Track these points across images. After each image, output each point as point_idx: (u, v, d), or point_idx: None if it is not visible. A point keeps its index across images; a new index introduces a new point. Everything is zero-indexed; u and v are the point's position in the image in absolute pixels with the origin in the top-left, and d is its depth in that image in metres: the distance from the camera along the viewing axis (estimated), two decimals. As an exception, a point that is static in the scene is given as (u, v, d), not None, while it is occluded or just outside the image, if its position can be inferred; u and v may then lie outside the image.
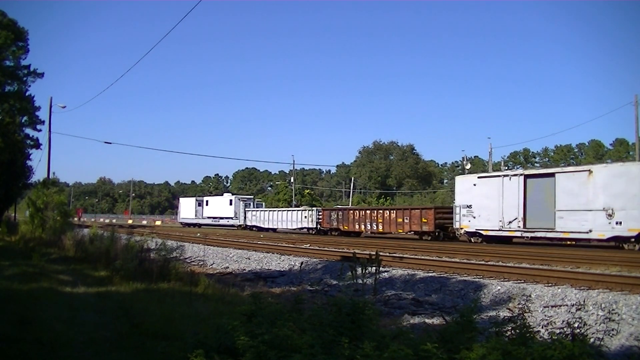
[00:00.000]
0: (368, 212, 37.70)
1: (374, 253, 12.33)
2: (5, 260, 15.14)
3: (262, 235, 37.15)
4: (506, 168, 67.96)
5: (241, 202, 54.99)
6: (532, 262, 16.40)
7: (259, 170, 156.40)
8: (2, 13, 32.41)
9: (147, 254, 13.37)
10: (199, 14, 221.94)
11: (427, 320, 9.19)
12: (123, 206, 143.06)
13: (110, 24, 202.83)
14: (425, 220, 31.69)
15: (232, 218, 55.53)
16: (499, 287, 11.87)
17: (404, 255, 18.13)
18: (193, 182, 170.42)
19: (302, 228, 44.09)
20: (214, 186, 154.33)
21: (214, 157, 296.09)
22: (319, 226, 41.92)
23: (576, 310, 8.64)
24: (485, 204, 27.09)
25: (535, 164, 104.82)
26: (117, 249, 14.77)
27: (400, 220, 33.70)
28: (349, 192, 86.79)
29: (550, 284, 11.74)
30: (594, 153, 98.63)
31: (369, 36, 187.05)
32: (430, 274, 14.18)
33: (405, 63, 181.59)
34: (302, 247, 24.00)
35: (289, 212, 47.04)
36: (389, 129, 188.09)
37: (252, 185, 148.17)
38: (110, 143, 79.83)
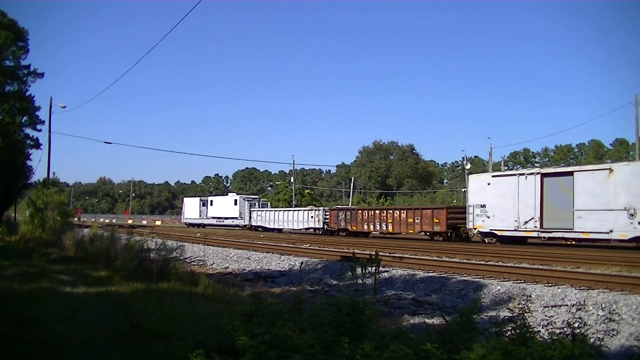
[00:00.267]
0: (377, 212, 36.96)
1: (374, 253, 12.32)
2: (5, 260, 15.14)
3: (262, 235, 37.14)
4: (506, 168, 67.98)
5: (246, 202, 54.43)
6: (532, 262, 16.40)
7: (259, 170, 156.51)
8: (2, 13, 32.39)
9: (147, 254, 13.36)
10: (199, 14, 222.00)
11: (427, 320, 9.18)
12: (123, 206, 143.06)
13: (110, 24, 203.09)
14: (437, 221, 31.05)
15: (236, 218, 54.99)
16: (499, 287, 11.87)
17: (404, 255, 18.13)
18: (193, 182, 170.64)
19: (308, 228, 43.50)
20: (214, 186, 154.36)
21: (214, 157, 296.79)
22: (325, 226, 41.24)
23: (576, 310, 8.64)
24: (500, 203, 26.42)
25: (535, 164, 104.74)
26: (117, 249, 14.75)
27: (410, 220, 33.07)
28: (349, 192, 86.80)
29: (550, 284, 11.73)
30: (594, 153, 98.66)
31: (369, 36, 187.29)
32: (430, 274, 14.18)
33: (405, 63, 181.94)
34: (302, 247, 24.00)
35: (295, 212, 46.36)
36: (389, 129, 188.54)
37: (252, 185, 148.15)
38: (110, 143, 79.76)
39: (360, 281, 11.32)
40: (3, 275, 11.96)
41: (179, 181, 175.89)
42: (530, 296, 10.48)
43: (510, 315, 4.66)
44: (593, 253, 18.73)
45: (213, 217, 59.41)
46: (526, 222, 25.32)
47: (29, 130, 37.31)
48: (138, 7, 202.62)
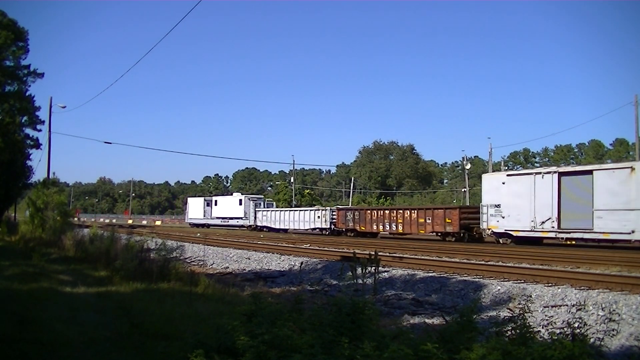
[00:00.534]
0: (387, 212, 36.20)
1: (374, 253, 12.32)
2: (5, 260, 15.13)
3: (262, 235, 37.14)
4: (506, 168, 67.98)
5: (251, 202, 53.59)
6: (532, 262, 16.41)
7: (259, 170, 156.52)
8: (2, 13, 32.36)
9: (147, 254, 13.36)
10: (198, 14, 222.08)
11: (427, 320, 9.18)
12: (123, 206, 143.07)
13: (110, 24, 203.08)
14: (450, 221, 30.32)
15: (241, 218, 54.16)
16: (499, 287, 11.87)
17: (404, 255, 18.14)
18: (193, 182, 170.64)
19: (315, 229, 42.82)
20: (214, 186, 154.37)
21: (214, 157, 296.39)
22: (333, 227, 40.50)
23: (576, 310, 8.65)
24: (516, 203, 25.77)
25: (535, 164, 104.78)
26: (117, 249, 14.76)
27: (422, 220, 32.35)
28: (349, 192, 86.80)
29: (550, 284, 11.73)
30: (594, 153, 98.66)
31: (369, 36, 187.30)
32: (430, 274, 14.18)
33: (405, 63, 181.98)
34: (302, 247, 24.01)
35: (301, 212, 45.60)
36: (389, 129, 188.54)
37: (252, 185, 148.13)
38: (110, 143, 79.84)
39: (360, 281, 11.32)
40: (3, 275, 11.95)
41: (179, 181, 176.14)
42: (530, 296, 10.49)
43: (510, 315, 4.66)
44: (593, 253, 18.72)
45: (217, 217, 58.58)
46: (543, 223, 24.72)
47: (29, 130, 37.32)
48: (138, 7, 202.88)
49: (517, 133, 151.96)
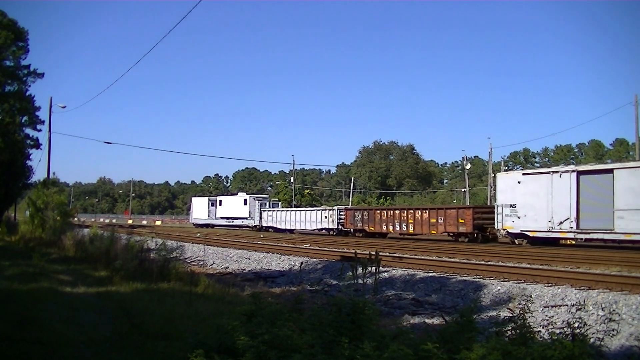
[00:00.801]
0: (397, 212, 35.48)
1: (374, 253, 12.31)
2: (5, 260, 15.14)
3: (262, 235, 37.14)
4: (506, 168, 67.94)
5: (256, 202, 52.58)
6: (532, 262, 16.41)
7: (259, 170, 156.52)
8: (2, 13, 32.37)
9: (147, 254, 13.36)
10: (198, 14, 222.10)
11: (427, 320, 9.19)
12: (123, 206, 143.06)
13: (110, 24, 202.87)
14: (463, 221, 29.70)
15: (246, 218, 53.26)
16: (499, 287, 11.88)
17: (404, 255, 18.15)
18: (193, 182, 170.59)
19: (321, 229, 42.24)
20: (214, 186, 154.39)
21: (214, 157, 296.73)
22: (341, 227, 39.86)
23: (576, 310, 8.66)
24: (532, 202, 25.04)
25: (535, 164, 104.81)
26: (117, 249, 14.76)
27: (433, 220, 31.71)
28: (349, 192, 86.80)
29: (550, 284, 11.74)
30: (594, 153, 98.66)
31: (368, 37, 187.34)
32: (430, 274, 14.19)
33: (406, 63, 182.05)
34: (302, 247, 24.02)
35: (307, 212, 44.95)
36: (389, 128, 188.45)
37: (252, 185, 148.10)
38: (110, 143, 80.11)
39: (360, 281, 11.31)
40: (3, 275, 11.96)
41: (179, 181, 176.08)
42: (530, 296, 10.48)
43: (510, 315, 4.66)
44: (593, 253, 18.72)
45: (222, 217, 57.44)
46: (561, 223, 23.97)
47: (29, 130, 37.33)
48: (138, 7, 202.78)
49: (517, 133, 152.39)
